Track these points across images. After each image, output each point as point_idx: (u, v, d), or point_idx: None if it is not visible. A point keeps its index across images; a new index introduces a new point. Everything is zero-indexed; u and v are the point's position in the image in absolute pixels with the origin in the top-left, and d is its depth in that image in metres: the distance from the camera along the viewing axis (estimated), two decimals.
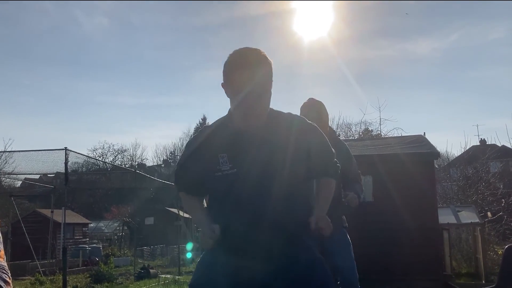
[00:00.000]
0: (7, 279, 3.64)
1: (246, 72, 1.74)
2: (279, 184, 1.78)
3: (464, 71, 57.39)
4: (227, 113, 1.92)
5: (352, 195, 3.07)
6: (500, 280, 4.08)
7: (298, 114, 3.29)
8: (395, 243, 6.74)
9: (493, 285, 4.09)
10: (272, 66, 1.82)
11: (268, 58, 1.80)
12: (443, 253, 7.93)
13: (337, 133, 21.98)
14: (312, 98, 3.32)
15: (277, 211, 1.77)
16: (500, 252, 9.22)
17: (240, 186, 1.78)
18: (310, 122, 1.94)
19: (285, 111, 1.95)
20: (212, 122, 1.98)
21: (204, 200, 2.00)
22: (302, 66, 50.50)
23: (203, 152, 1.87)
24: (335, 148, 3.20)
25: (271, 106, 1.89)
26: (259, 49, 1.80)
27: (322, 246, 3.18)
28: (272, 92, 1.84)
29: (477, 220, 8.42)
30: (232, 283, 1.79)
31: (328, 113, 3.39)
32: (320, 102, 3.29)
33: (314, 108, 3.24)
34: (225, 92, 1.83)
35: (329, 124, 3.58)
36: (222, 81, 1.83)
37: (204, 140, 1.89)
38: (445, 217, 8.27)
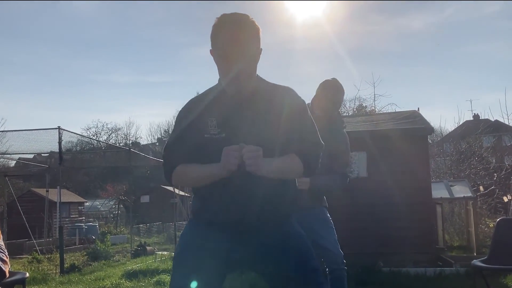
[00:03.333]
0: (5, 258, 3.67)
1: (232, 33, 1.74)
2: (265, 154, 1.76)
3: (459, 46, 57.20)
4: (217, 82, 1.91)
5: (304, 180, 2.95)
6: (491, 252, 4.16)
7: (318, 87, 3.27)
8: (389, 217, 6.82)
9: (485, 257, 4.18)
10: (260, 33, 1.81)
11: (256, 24, 1.79)
12: (436, 226, 8.05)
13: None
14: (335, 79, 3.28)
15: (264, 183, 1.76)
16: (491, 225, 9.37)
17: None
18: (299, 98, 1.91)
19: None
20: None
21: None
22: (295, 42, 50.09)
23: (192, 116, 1.86)
24: (334, 137, 3.19)
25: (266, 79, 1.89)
26: (247, 15, 1.79)
27: (303, 225, 3.20)
28: (260, 58, 1.83)
29: (470, 194, 8.52)
30: (214, 253, 1.81)
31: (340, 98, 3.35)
32: (341, 85, 3.24)
33: (339, 93, 3.22)
34: (213, 58, 1.82)
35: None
36: (210, 47, 1.82)
37: (194, 106, 1.89)
38: (438, 191, 8.36)
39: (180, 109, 1.96)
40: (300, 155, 1.87)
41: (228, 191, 1.79)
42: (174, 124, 1.97)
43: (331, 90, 3.20)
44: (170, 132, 2.03)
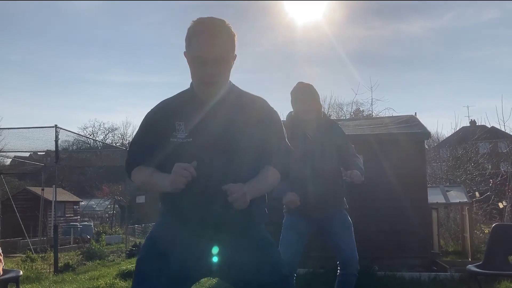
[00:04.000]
0: None
1: (207, 36, 1.72)
2: (234, 161, 1.77)
3: (457, 52, 57.38)
4: (189, 85, 1.89)
5: (355, 172, 3.04)
6: (486, 257, 4.17)
7: (288, 92, 3.30)
8: (384, 221, 6.82)
9: (480, 263, 4.19)
10: (236, 40, 1.80)
11: (232, 30, 1.78)
12: (432, 231, 8.05)
13: (328, 113, 21.97)
14: (300, 82, 3.29)
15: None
16: (486, 231, 9.39)
17: (192, 156, 1.74)
18: (271, 108, 1.91)
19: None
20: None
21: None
22: (295, 45, 50.18)
23: (159, 119, 1.84)
24: (330, 130, 3.23)
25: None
26: (224, 20, 1.78)
27: (327, 228, 3.22)
28: (233, 64, 1.82)
29: (466, 200, 8.54)
30: (180, 257, 1.79)
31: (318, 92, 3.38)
32: (310, 84, 3.26)
33: (309, 91, 3.22)
34: (187, 61, 1.81)
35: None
36: (185, 49, 1.81)
37: (162, 109, 1.87)
38: (434, 196, 8.38)
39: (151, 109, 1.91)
40: (274, 164, 1.87)
41: (197, 197, 1.76)
42: (140, 122, 1.92)
43: (303, 93, 3.21)
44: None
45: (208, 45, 1.72)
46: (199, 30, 1.75)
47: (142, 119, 1.92)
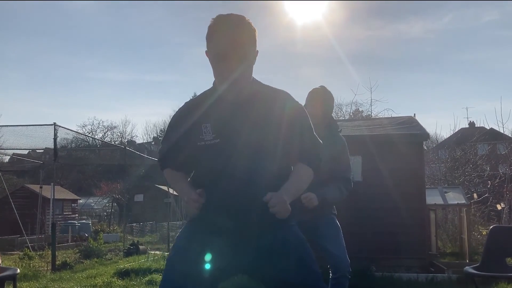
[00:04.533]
0: None
1: (229, 34, 1.71)
2: (264, 160, 1.76)
3: (456, 54, 57.46)
4: (212, 85, 1.89)
5: (309, 194, 2.94)
6: (484, 259, 4.18)
7: (306, 97, 3.30)
8: (382, 222, 6.83)
9: (477, 264, 4.19)
10: (256, 35, 1.79)
11: (252, 25, 1.77)
12: (429, 233, 8.06)
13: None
14: (323, 86, 3.31)
15: (257, 186, 1.74)
16: (484, 233, 9.40)
17: (222, 158, 1.75)
18: (297, 102, 1.89)
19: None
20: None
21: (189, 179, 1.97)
22: (295, 45, 50.17)
23: (187, 124, 1.84)
24: (333, 141, 3.22)
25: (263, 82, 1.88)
26: (244, 16, 1.77)
27: (313, 230, 3.23)
28: (255, 60, 1.81)
29: (464, 201, 8.55)
30: (208, 259, 1.78)
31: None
32: (329, 91, 3.29)
33: (322, 96, 3.24)
34: (209, 60, 1.80)
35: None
36: (206, 49, 1.80)
37: (188, 112, 1.87)
38: (433, 197, 8.39)
39: (176, 111, 1.94)
40: (304, 159, 1.86)
41: (226, 196, 1.77)
42: (167, 126, 1.96)
43: (320, 98, 3.23)
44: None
45: (231, 42, 1.71)
46: (220, 28, 1.74)
47: (169, 122, 1.96)
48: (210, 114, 1.81)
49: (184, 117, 1.87)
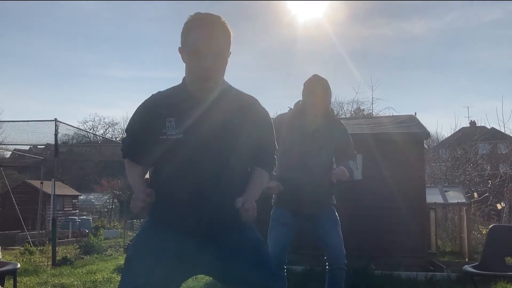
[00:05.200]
0: None
1: (204, 30, 1.72)
2: (224, 159, 1.77)
3: (458, 52, 57.35)
4: (181, 81, 1.88)
5: (340, 169, 3.04)
6: (483, 258, 4.19)
7: (302, 88, 3.29)
8: (382, 220, 6.83)
9: (476, 263, 4.20)
10: (231, 37, 1.80)
11: (228, 27, 1.78)
12: (429, 231, 8.07)
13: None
14: (316, 74, 3.29)
15: (218, 186, 1.76)
16: (484, 232, 9.40)
17: (183, 154, 1.75)
18: (263, 108, 1.92)
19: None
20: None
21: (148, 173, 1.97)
22: (296, 43, 50.11)
23: (151, 116, 1.83)
24: (332, 129, 3.24)
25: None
26: (220, 16, 1.78)
27: (312, 221, 3.25)
28: (227, 62, 1.81)
29: (464, 200, 8.55)
30: (168, 254, 1.78)
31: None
32: (325, 79, 3.25)
33: (321, 86, 3.21)
34: (182, 57, 1.80)
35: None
36: (180, 45, 1.80)
37: (154, 104, 1.86)
38: (433, 196, 8.39)
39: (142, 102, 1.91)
40: (262, 163, 1.94)
41: (189, 196, 1.76)
42: (132, 115, 1.92)
43: (317, 86, 3.20)
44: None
45: (207, 39, 1.71)
46: (197, 25, 1.74)
47: (135, 110, 1.91)
48: (176, 109, 1.80)
49: (150, 109, 1.85)
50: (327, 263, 3.24)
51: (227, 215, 1.78)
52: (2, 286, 3.39)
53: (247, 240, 1.85)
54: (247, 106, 1.86)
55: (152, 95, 1.90)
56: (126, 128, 1.95)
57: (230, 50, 1.81)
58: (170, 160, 1.77)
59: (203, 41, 1.71)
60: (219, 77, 1.80)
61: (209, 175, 1.74)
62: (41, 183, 14.28)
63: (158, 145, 1.79)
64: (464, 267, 4.11)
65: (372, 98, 20.84)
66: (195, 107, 1.78)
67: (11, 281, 3.84)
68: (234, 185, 1.80)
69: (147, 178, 1.96)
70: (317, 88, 3.19)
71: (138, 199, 1.74)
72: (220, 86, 1.83)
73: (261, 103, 1.92)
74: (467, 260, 7.65)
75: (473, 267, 4.09)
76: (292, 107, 3.42)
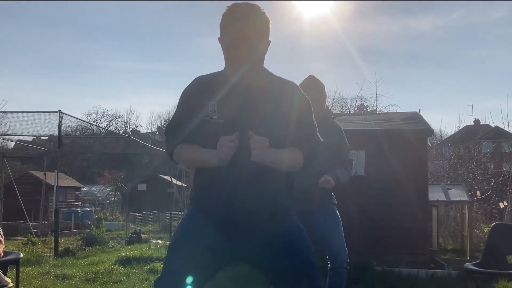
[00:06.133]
0: (0, 238, 3.68)
1: (241, 23, 1.73)
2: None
3: (464, 50, 57.08)
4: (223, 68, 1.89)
5: (325, 177, 3.07)
6: (484, 256, 4.19)
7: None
8: (384, 217, 6.84)
9: (478, 261, 4.20)
10: (270, 25, 1.81)
11: (266, 15, 1.79)
12: (431, 229, 8.07)
13: (332, 108, 21.91)
14: (313, 76, 3.30)
15: (259, 175, 1.75)
16: (486, 230, 9.40)
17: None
18: (304, 95, 1.91)
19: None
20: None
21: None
22: (302, 38, 49.97)
23: (195, 99, 1.85)
24: (327, 130, 3.24)
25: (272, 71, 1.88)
26: (258, 5, 1.79)
27: (312, 220, 3.25)
28: (267, 50, 1.82)
29: (466, 198, 8.54)
30: (210, 243, 1.80)
31: (325, 90, 3.40)
32: (319, 81, 3.29)
33: (315, 90, 3.22)
34: (221, 47, 1.82)
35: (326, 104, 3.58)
36: (219, 35, 1.81)
37: (197, 88, 1.87)
38: (435, 194, 8.38)
39: (185, 87, 1.92)
40: (302, 149, 1.88)
41: (228, 184, 1.77)
42: (178, 100, 1.92)
43: (312, 88, 3.20)
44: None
45: (241, 30, 1.73)
46: (233, 15, 1.76)
47: (180, 97, 1.91)
48: (218, 94, 1.81)
49: (194, 92, 1.87)
50: (328, 262, 3.24)
51: (268, 206, 1.80)
52: (5, 275, 3.41)
53: (285, 230, 1.86)
54: (288, 95, 1.85)
55: (194, 79, 1.91)
56: (172, 117, 1.94)
57: (270, 39, 1.82)
58: (210, 142, 1.76)
59: (239, 33, 1.73)
60: (257, 67, 1.82)
61: (248, 164, 1.73)
62: (44, 174, 14.35)
63: (202, 128, 1.81)
64: (465, 265, 4.11)
65: (376, 94, 20.83)
66: (236, 94, 1.79)
67: (14, 271, 3.87)
68: (274, 175, 1.79)
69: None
70: (309, 91, 3.21)
71: (229, 141, 1.67)
72: (260, 74, 1.84)
73: (300, 89, 1.91)
74: (468, 258, 7.65)
75: (474, 264, 4.09)
76: None
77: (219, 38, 1.82)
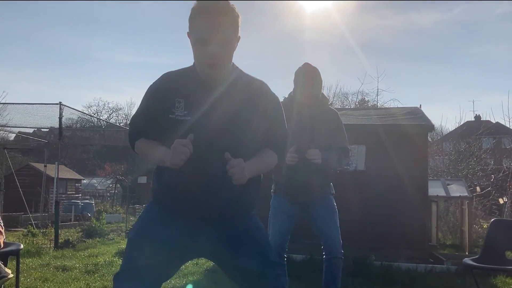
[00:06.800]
0: (0, 229, 3.69)
1: (210, 18, 1.70)
2: (232, 143, 1.75)
3: (465, 46, 56.89)
4: (192, 64, 1.87)
5: (314, 150, 3.04)
6: (483, 251, 4.19)
7: (293, 77, 3.29)
8: (384, 212, 6.85)
9: (477, 256, 4.21)
10: (239, 21, 1.78)
11: (236, 10, 1.76)
12: (430, 224, 8.08)
13: (333, 102, 21.87)
14: (307, 63, 3.28)
15: (224, 174, 1.72)
16: (485, 226, 9.41)
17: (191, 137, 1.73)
18: (273, 94, 1.91)
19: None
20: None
21: None
22: (303, 32, 49.79)
23: (161, 94, 1.82)
24: (325, 118, 3.23)
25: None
26: (228, 1, 1.76)
27: (309, 210, 3.26)
28: (236, 46, 1.80)
29: (466, 194, 8.54)
30: (171, 238, 1.79)
31: (323, 79, 3.37)
32: (316, 68, 3.25)
33: (313, 76, 3.21)
34: (190, 42, 1.78)
35: (325, 93, 3.57)
36: (188, 30, 1.79)
37: (164, 83, 1.85)
38: (435, 189, 8.39)
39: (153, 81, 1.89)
40: (273, 147, 1.90)
41: (191, 182, 1.76)
42: (144, 94, 1.90)
43: (307, 77, 3.20)
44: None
45: (211, 25, 1.69)
46: (202, 11, 1.72)
47: (146, 91, 1.89)
48: (186, 91, 1.79)
49: (160, 87, 1.85)
50: (323, 253, 3.25)
51: (229, 203, 1.80)
52: (5, 266, 3.42)
53: (246, 227, 1.86)
54: (257, 93, 1.84)
55: (163, 74, 1.89)
56: (137, 110, 1.93)
57: (239, 35, 1.79)
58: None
59: (209, 29, 1.69)
60: (225, 62, 1.78)
61: (213, 158, 1.73)
62: (45, 166, 14.35)
63: (166, 124, 1.79)
64: (464, 260, 4.11)
65: (377, 89, 20.79)
66: (204, 92, 1.78)
67: (14, 262, 3.88)
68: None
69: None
70: (307, 78, 3.20)
71: (182, 146, 1.64)
72: (229, 71, 1.82)
73: (269, 87, 1.90)
74: (467, 253, 7.67)
75: (473, 260, 4.10)
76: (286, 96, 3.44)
77: (187, 33, 1.79)
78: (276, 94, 1.92)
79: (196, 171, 1.74)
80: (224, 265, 1.90)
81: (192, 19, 1.75)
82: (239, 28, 1.78)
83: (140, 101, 1.92)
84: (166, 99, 1.79)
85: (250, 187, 1.82)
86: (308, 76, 3.20)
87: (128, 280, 1.73)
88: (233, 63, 1.84)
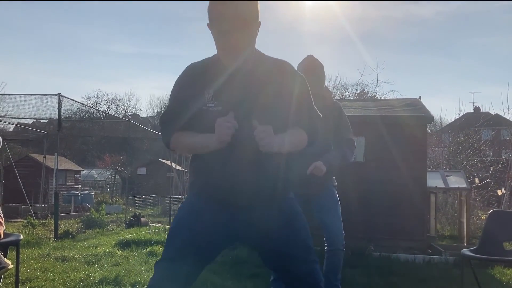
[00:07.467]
0: (0, 220, 3.69)
1: (230, 8, 1.69)
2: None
3: (465, 37, 56.69)
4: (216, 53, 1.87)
5: (316, 163, 3.03)
6: (481, 242, 4.21)
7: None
8: (382, 203, 6.86)
9: (475, 247, 4.22)
10: (259, 6, 1.78)
11: None
12: (429, 215, 8.10)
13: (333, 94, 21.81)
14: (311, 56, 3.26)
15: (257, 159, 1.75)
16: (483, 217, 9.45)
17: None
18: (298, 73, 1.90)
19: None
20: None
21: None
22: (303, 23, 49.56)
23: (190, 87, 1.83)
24: (327, 110, 3.22)
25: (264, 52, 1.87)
26: None
27: (310, 202, 3.27)
28: (257, 32, 1.80)
29: (465, 186, 8.56)
30: (210, 227, 1.82)
31: (325, 73, 3.35)
32: (318, 62, 3.24)
33: (316, 73, 3.20)
34: (211, 33, 1.78)
35: (326, 84, 3.57)
36: (208, 21, 1.78)
37: (191, 75, 1.85)
38: (434, 180, 8.39)
39: (179, 75, 1.89)
40: (304, 128, 1.89)
41: (227, 167, 1.78)
42: (172, 89, 1.90)
43: (311, 69, 3.18)
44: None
45: (231, 15, 1.69)
46: (221, 1, 1.72)
47: (173, 86, 1.89)
48: (213, 81, 1.80)
49: (188, 79, 1.85)
50: (325, 244, 3.27)
51: (266, 188, 1.81)
52: (5, 257, 3.43)
53: (281, 211, 1.87)
54: (282, 74, 1.83)
55: (187, 66, 1.89)
56: (167, 108, 1.93)
57: (259, 20, 1.79)
58: (210, 131, 1.74)
59: (229, 19, 1.69)
60: (249, 50, 1.79)
61: (248, 147, 1.73)
62: (44, 157, 14.36)
63: (199, 117, 1.80)
64: (462, 251, 4.13)
65: (377, 80, 20.66)
66: (230, 79, 1.78)
67: (14, 253, 3.89)
68: (273, 158, 1.78)
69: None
70: (310, 75, 3.19)
71: (226, 122, 1.66)
72: (253, 56, 1.82)
73: (295, 68, 1.89)
74: (465, 244, 7.70)
75: (471, 251, 4.11)
76: None
77: (208, 24, 1.78)
78: (301, 74, 1.90)
79: (229, 156, 1.75)
80: (260, 250, 1.92)
81: (212, 9, 1.75)
82: (259, 13, 1.78)
83: (169, 97, 1.92)
84: (195, 91, 1.80)
85: (284, 170, 1.84)
86: (309, 72, 3.19)
87: (167, 268, 1.78)
88: (256, 48, 1.84)
